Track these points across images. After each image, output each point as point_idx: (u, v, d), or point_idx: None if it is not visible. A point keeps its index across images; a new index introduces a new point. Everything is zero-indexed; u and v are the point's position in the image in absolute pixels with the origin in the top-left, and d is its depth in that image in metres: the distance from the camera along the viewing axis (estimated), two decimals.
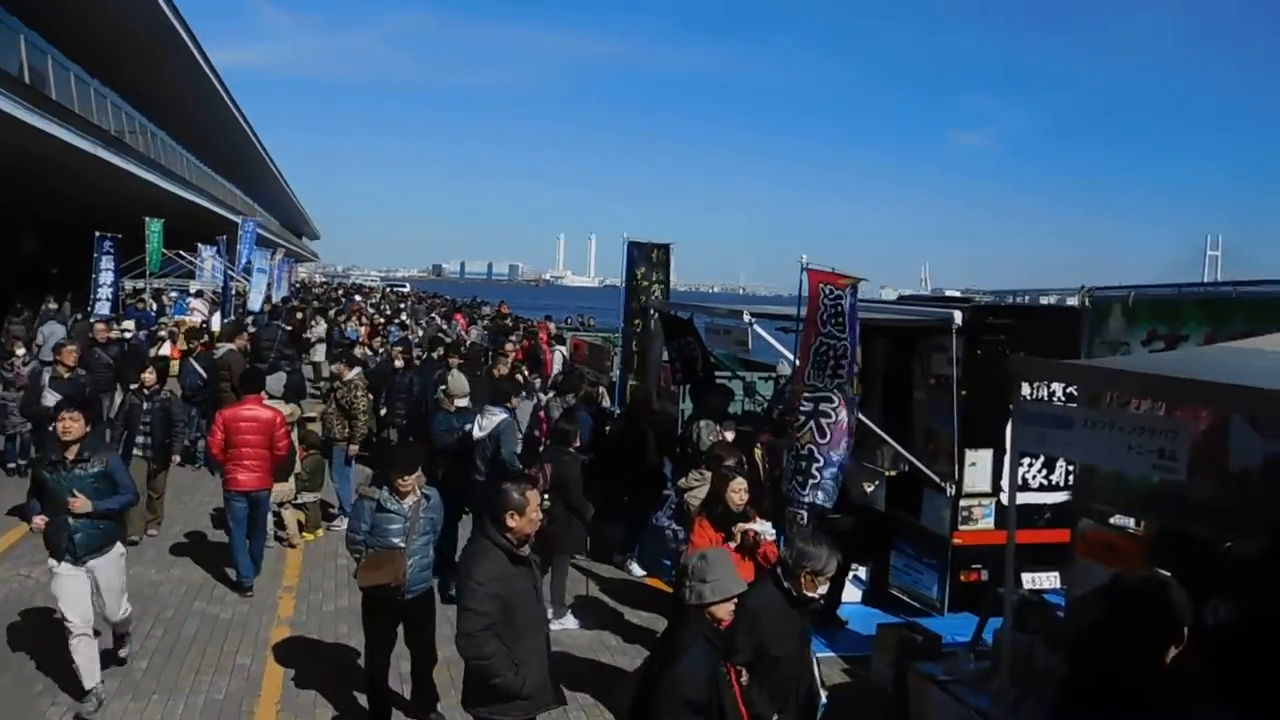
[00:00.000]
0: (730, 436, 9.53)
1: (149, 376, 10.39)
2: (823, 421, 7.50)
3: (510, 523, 4.76)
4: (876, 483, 8.88)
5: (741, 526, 6.21)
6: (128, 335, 14.51)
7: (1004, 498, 8.29)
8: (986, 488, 8.41)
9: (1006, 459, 8.30)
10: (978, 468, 8.38)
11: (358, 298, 47.45)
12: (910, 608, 8.68)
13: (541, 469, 8.36)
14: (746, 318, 8.89)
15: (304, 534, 10.65)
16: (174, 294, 32.79)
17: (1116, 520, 6.84)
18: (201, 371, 13.63)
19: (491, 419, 9.72)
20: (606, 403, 13.78)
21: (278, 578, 9.50)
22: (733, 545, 6.16)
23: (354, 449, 11.17)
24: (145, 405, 10.24)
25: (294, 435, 10.56)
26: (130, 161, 26.04)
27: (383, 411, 13.14)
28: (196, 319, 26.04)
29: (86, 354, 13.17)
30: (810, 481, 7.55)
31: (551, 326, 22.43)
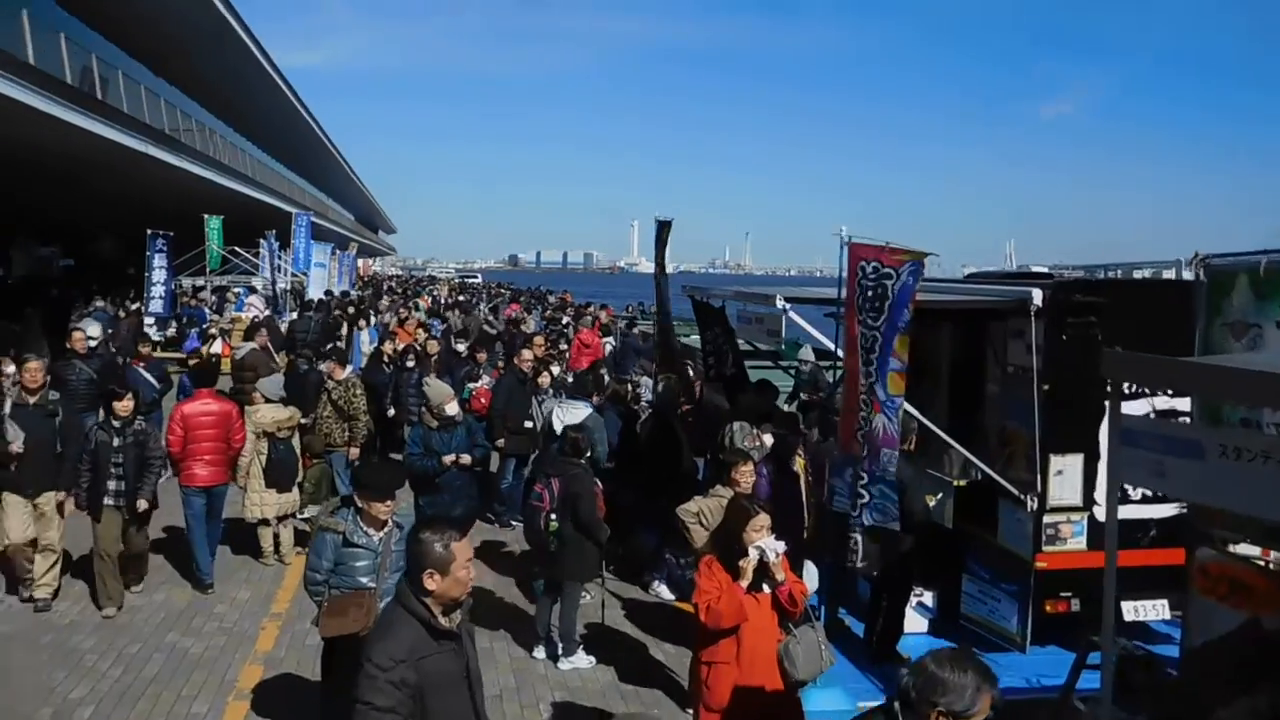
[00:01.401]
0: (769, 441, 8.30)
1: (123, 404, 8.17)
2: (859, 432, 6.26)
3: (429, 585, 3.58)
4: (941, 494, 7.53)
5: (744, 563, 4.91)
6: (93, 343, 12.75)
7: (1099, 513, 6.92)
8: (1076, 500, 7.01)
9: (1101, 466, 6.92)
10: (1065, 476, 6.99)
11: (434, 290, 47.12)
12: (984, 640, 7.32)
13: (548, 484, 7.20)
14: (780, 303, 7.52)
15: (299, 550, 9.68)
16: (238, 290, 32.53)
17: (1242, 548, 5.45)
18: (154, 381, 12.23)
19: (575, 412, 8.79)
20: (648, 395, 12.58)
21: (267, 602, 8.54)
22: (743, 584, 4.92)
23: (355, 452, 10.29)
24: (117, 440, 8.08)
25: (294, 442, 9.65)
26: (184, 158, 25.63)
27: (390, 413, 12.27)
28: (251, 315, 25.56)
29: (65, 371, 11.27)
30: (860, 501, 6.32)
31: (604, 316, 21.11)
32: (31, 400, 8.23)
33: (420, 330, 17.27)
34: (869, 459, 6.23)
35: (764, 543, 4.88)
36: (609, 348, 16.36)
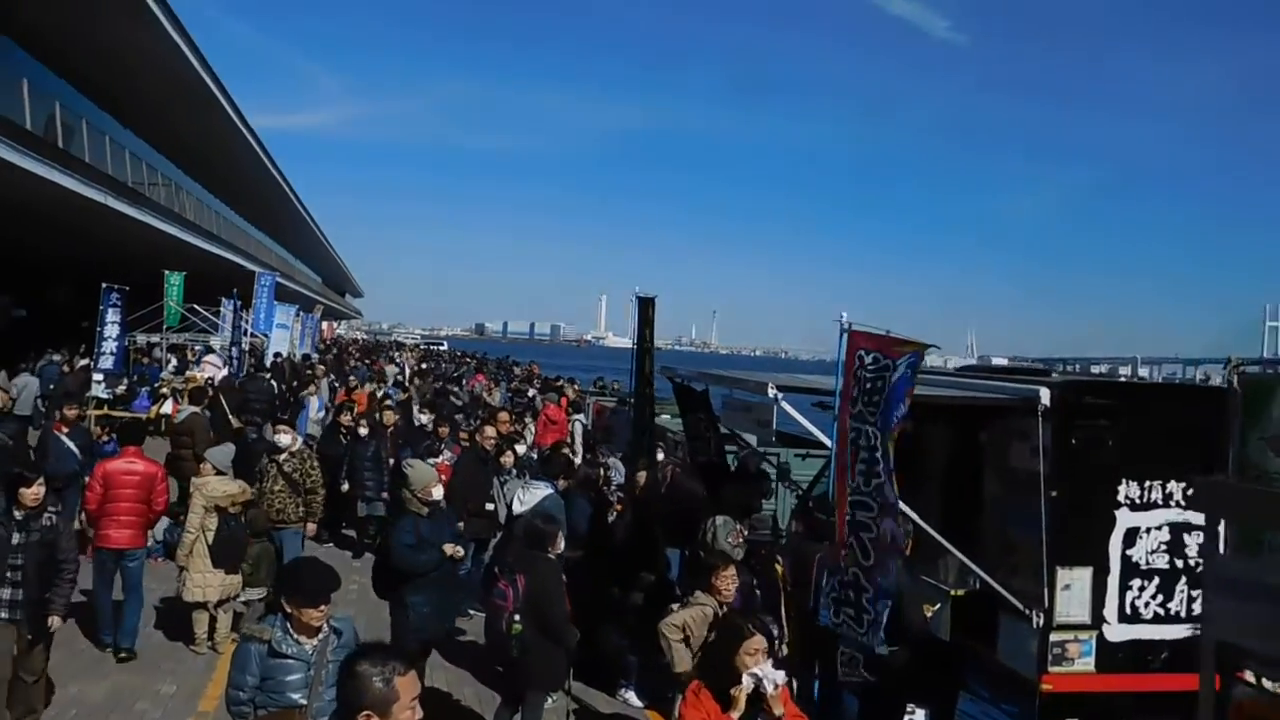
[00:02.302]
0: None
1: (31, 492, 6.43)
2: (864, 536, 5.70)
3: None
4: (939, 604, 6.96)
5: (737, 692, 4.25)
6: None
7: (1109, 632, 6.39)
8: (1085, 617, 6.46)
9: (1112, 580, 6.43)
10: (1073, 591, 6.45)
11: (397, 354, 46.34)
12: None
13: (512, 580, 6.54)
14: (772, 391, 6.98)
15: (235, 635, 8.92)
16: (197, 348, 31.65)
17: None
18: (75, 450, 10.77)
19: (534, 493, 8.15)
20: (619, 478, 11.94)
21: (194, 698, 7.75)
22: (734, 717, 4.28)
23: (313, 528, 9.58)
24: (18, 537, 6.40)
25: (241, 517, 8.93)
26: (145, 212, 24.96)
27: (344, 487, 11.57)
28: (207, 375, 24.72)
29: None
30: (865, 617, 5.75)
31: (571, 391, 20.44)
32: None
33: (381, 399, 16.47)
34: (876, 570, 5.66)
35: (762, 670, 4.26)
36: (578, 425, 15.73)
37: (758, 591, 6.73)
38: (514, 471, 10.56)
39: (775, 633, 5.44)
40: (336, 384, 20.61)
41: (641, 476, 9.00)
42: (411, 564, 6.95)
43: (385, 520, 10.91)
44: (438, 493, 7.48)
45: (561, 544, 6.69)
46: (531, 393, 21.67)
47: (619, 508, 10.07)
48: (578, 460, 12.46)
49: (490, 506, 10.27)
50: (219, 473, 8.91)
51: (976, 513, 7.33)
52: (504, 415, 12.76)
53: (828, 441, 6.56)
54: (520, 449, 11.42)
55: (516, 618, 6.29)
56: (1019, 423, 6.77)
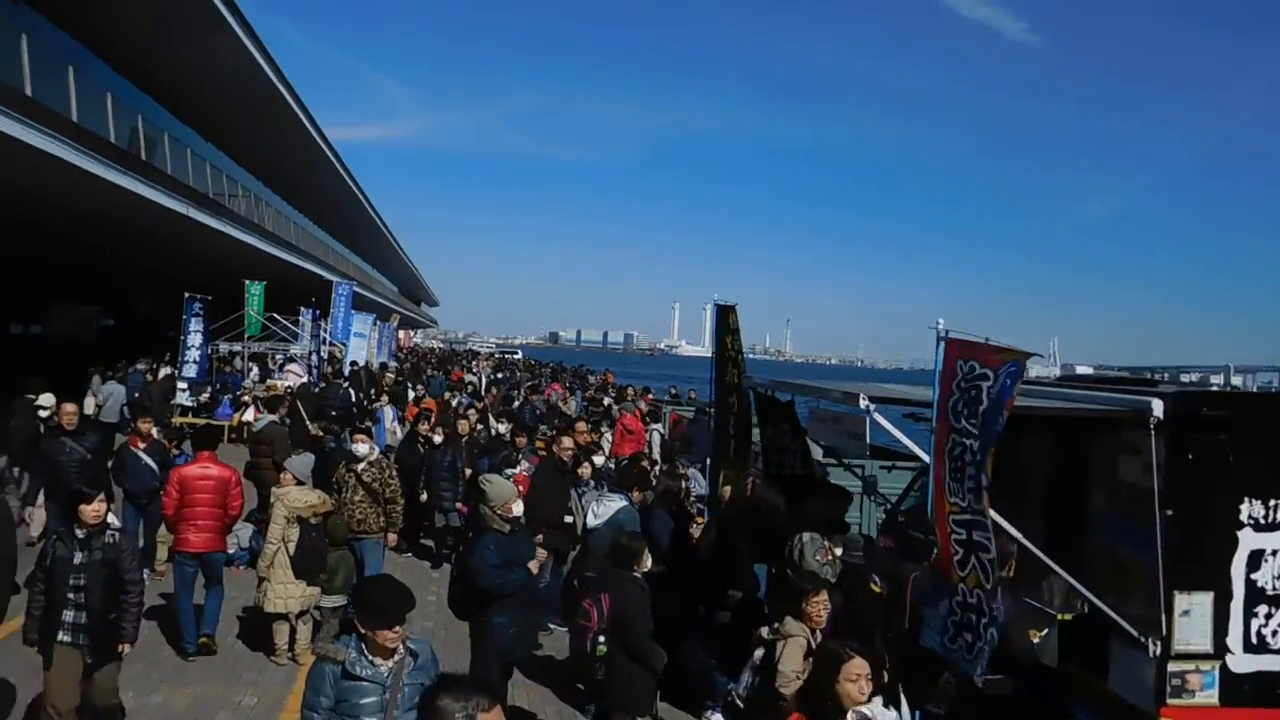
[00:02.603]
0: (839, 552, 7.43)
1: (91, 509, 6.24)
2: (983, 557, 5.36)
3: None
4: (1045, 629, 6.57)
5: None
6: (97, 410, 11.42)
7: (1233, 662, 5.95)
8: (1206, 646, 6.03)
9: (1235, 606, 5.99)
10: (1193, 618, 6.01)
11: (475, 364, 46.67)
12: None
13: (597, 600, 6.30)
14: (864, 402, 6.66)
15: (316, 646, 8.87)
16: (279, 357, 32.17)
17: None
18: (153, 465, 10.22)
19: (608, 505, 7.99)
20: (700, 489, 11.68)
21: (275, 709, 7.72)
22: None
23: (393, 538, 9.53)
24: (80, 556, 6.19)
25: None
26: (225, 222, 25.45)
27: (422, 497, 11.49)
28: (287, 383, 25.05)
29: (53, 449, 9.90)
30: (978, 644, 5.42)
31: (643, 404, 20.17)
32: None
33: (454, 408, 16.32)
34: (989, 596, 5.33)
35: (873, 711, 3.97)
36: (655, 435, 15.48)
37: (853, 614, 6.40)
38: (591, 483, 10.39)
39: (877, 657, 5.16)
40: (418, 391, 20.42)
41: (726, 491, 8.72)
42: (500, 584, 6.63)
43: (462, 532, 10.78)
44: (518, 508, 7.21)
45: (648, 562, 6.45)
46: (607, 401, 21.48)
47: (699, 520, 9.82)
48: (655, 471, 12.25)
49: (568, 519, 10.10)
50: (299, 483, 8.90)
51: (1082, 531, 6.93)
52: (581, 425, 12.58)
53: (924, 456, 6.24)
54: (598, 460, 11.22)
55: (601, 639, 6.08)
56: (1129, 436, 6.36)
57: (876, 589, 6.65)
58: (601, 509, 8.14)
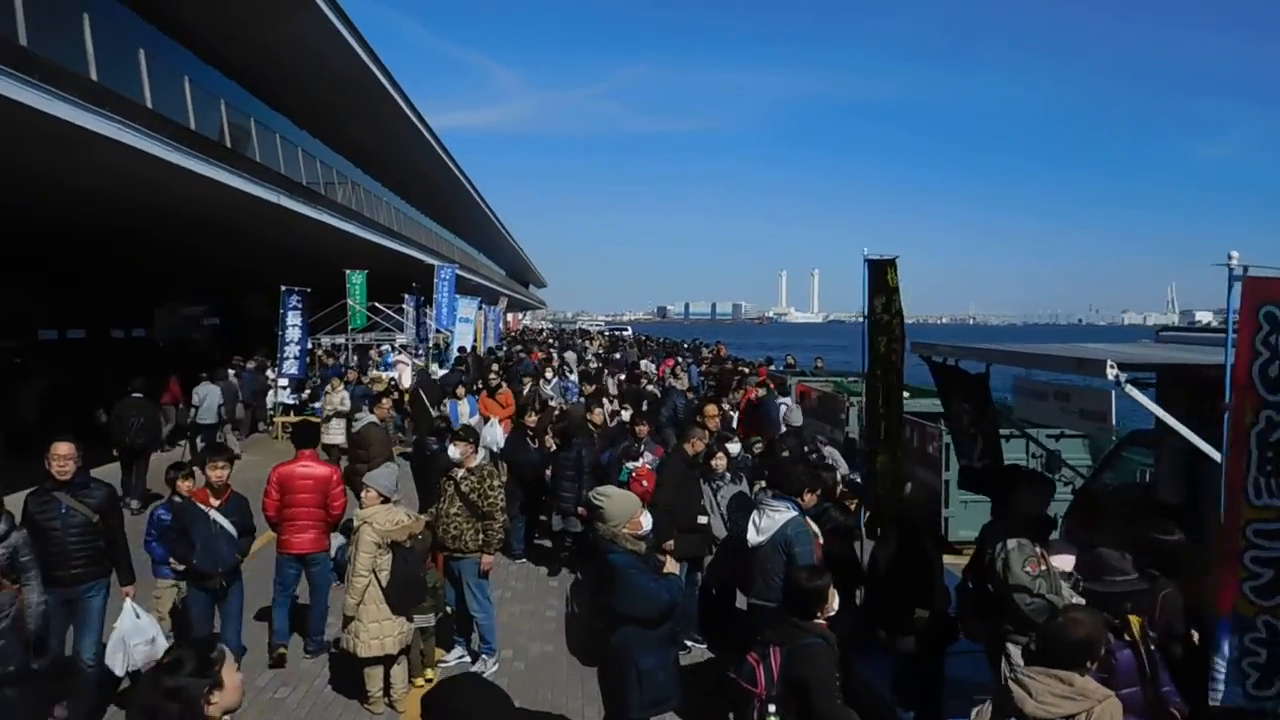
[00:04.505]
0: (1068, 565, 5.67)
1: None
2: None
3: None
4: None
5: None
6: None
7: None
8: None
9: None
10: None
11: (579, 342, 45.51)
12: None
13: (765, 655, 4.65)
14: (1113, 373, 4.79)
15: (414, 681, 7.46)
16: (384, 348, 31.38)
17: None
18: (232, 530, 7.43)
19: (774, 517, 6.47)
20: (842, 469, 9.87)
21: None
22: None
23: (489, 560, 7.99)
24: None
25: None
26: (321, 210, 24.51)
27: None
28: (398, 375, 24.10)
29: (40, 511, 6.52)
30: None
31: (760, 375, 18.29)
32: None
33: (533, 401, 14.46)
34: None
35: None
36: (784, 411, 13.69)
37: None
38: (727, 476, 8.80)
39: None
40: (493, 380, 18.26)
41: (908, 487, 6.96)
42: (670, 600, 5.55)
43: (586, 544, 9.21)
44: (648, 521, 5.79)
45: (835, 604, 4.79)
46: (745, 370, 19.73)
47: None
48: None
49: (703, 520, 8.54)
50: (384, 500, 7.38)
51: None
52: (711, 409, 10.88)
53: (1202, 445, 4.44)
54: (733, 448, 9.58)
55: (772, 708, 4.44)
56: None
57: (1137, 623, 4.81)
58: (765, 522, 6.51)
